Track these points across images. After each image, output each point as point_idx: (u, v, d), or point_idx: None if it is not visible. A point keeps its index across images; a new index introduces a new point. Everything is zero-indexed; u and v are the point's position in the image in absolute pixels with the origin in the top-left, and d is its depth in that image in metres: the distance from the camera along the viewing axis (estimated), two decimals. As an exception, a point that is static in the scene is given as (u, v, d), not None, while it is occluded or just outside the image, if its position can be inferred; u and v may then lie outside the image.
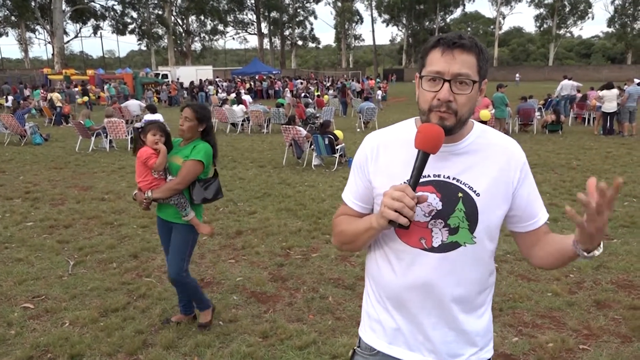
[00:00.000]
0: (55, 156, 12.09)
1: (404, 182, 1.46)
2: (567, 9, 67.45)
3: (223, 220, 6.69)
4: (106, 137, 13.00)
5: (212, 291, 4.51)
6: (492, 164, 1.48)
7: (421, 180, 1.43)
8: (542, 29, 71.20)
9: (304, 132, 10.75)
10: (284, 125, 11.21)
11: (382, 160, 1.53)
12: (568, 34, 73.67)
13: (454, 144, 1.47)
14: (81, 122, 13.33)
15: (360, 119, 17.52)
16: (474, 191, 1.45)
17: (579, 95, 18.87)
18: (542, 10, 68.91)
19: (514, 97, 18.22)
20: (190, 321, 3.90)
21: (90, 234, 6.14)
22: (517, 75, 50.39)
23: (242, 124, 16.98)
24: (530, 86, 42.46)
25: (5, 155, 12.34)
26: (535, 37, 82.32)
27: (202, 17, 62.05)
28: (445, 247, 1.46)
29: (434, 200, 1.44)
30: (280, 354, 3.46)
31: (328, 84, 36.34)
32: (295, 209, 7.18)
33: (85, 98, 24.34)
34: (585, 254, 1.35)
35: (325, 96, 25.44)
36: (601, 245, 1.34)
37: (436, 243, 1.46)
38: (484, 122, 13.13)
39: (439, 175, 1.46)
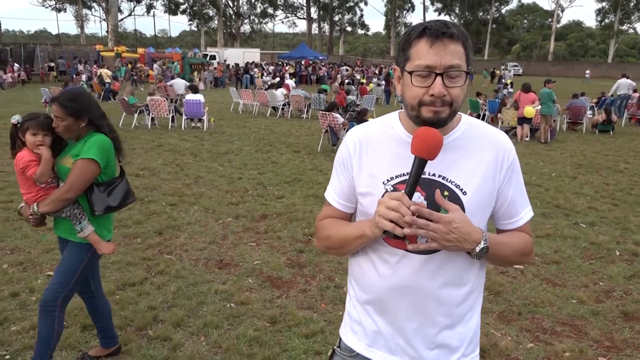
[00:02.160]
0: (99, 131, 12.44)
1: (387, 182, 1.40)
2: (632, 4, 64.01)
3: (250, 202, 6.72)
4: (148, 114, 13.28)
5: (228, 273, 4.53)
6: (480, 160, 1.39)
7: (404, 178, 1.36)
8: (603, 23, 67.96)
9: (340, 119, 10.66)
10: (321, 112, 11.15)
11: (365, 158, 1.46)
12: (631, 30, 70.01)
13: None
14: (125, 98, 13.67)
15: (402, 108, 17.23)
16: (461, 189, 1.37)
17: (636, 95, 17.94)
18: (604, 3, 65.69)
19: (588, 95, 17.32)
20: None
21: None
22: (587, 71, 47.65)
23: (282, 108, 17.02)
24: (585, 84, 40.73)
25: (53, 127, 12.79)
26: (595, 32, 78.67)
27: (253, 0, 62.39)
28: (430, 249, 1.38)
29: (418, 200, 1.36)
30: (286, 341, 3.44)
31: (375, 71, 35.92)
32: (323, 196, 7.13)
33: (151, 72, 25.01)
34: (470, 254, 1.35)
35: (370, 84, 25.17)
36: (479, 244, 1.32)
37: (421, 245, 1.38)
38: (529, 119, 12.69)
39: (424, 173, 1.36)
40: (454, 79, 1.29)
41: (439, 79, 1.27)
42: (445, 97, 1.28)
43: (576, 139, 13.51)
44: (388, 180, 1.40)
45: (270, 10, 65.69)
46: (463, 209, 1.35)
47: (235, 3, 61.60)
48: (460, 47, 1.29)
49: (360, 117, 10.33)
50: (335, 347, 1.63)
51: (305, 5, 68.50)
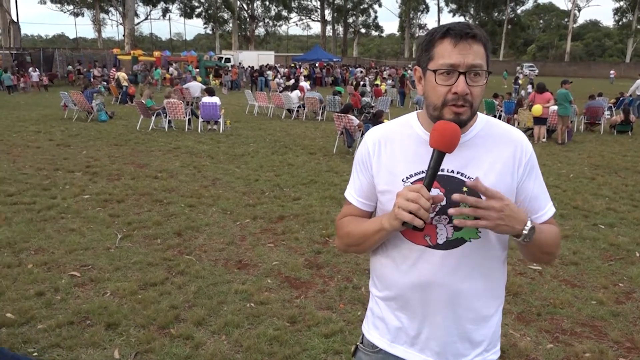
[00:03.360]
0: (117, 133, 12.63)
1: (406, 179, 1.43)
2: (651, 2, 63.14)
3: (267, 204, 6.78)
4: (165, 117, 13.44)
5: (247, 273, 4.59)
6: (497, 156, 1.42)
7: (424, 175, 1.39)
8: (620, 23, 67.09)
9: (356, 120, 10.68)
10: (337, 114, 11.19)
11: (384, 156, 1.49)
12: (650, 29, 69.01)
13: None
14: (143, 101, 13.85)
15: (417, 110, 17.22)
16: None
17: (655, 94, 17.70)
18: (622, 2, 64.86)
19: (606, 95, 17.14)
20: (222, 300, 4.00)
21: (140, 210, 6.39)
22: (612, 72, 46.76)
23: (297, 110, 17.09)
24: (604, 83, 40.26)
25: (73, 130, 13.02)
26: (613, 32, 77.66)
27: (267, 3, 62.74)
28: (450, 244, 1.41)
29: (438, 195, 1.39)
30: (306, 340, 3.49)
31: (386, 74, 35.86)
32: (340, 197, 7.17)
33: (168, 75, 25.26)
34: (516, 239, 1.34)
35: (383, 85, 25.14)
36: (527, 224, 1.31)
37: (441, 240, 1.41)
38: (544, 120, 12.60)
39: (442, 170, 1.39)
40: (476, 78, 1.32)
41: (462, 77, 1.30)
42: (467, 95, 1.32)
43: (594, 139, 13.38)
44: (407, 178, 1.43)
45: (284, 13, 66.00)
46: None
47: (250, 6, 61.97)
48: (482, 49, 1.33)
49: (376, 119, 10.35)
50: (358, 344, 1.66)
51: (319, 7, 68.72)
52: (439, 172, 1.39)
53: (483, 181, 1.38)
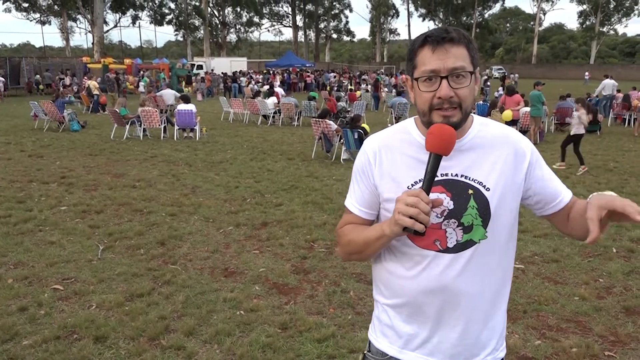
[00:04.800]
0: (91, 143, 12.41)
1: (411, 186, 1.44)
2: (612, 6, 65.15)
3: (249, 211, 6.75)
4: (140, 125, 13.26)
5: (234, 281, 4.56)
6: (498, 156, 1.44)
7: None
8: (584, 26, 69.03)
9: (334, 125, 10.73)
10: (314, 119, 11.22)
11: (386, 163, 1.49)
12: (612, 32, 71.14)
13: (457, 140, 1.41)
14: (116, 110, 13.64)
15: (391, 113, 17.39)
16: (484, 186, 1.42)
17: (620, 95, 18.26)
18: (585, 6, 66.76)
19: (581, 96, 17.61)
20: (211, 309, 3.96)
21: (120, 220, 6.29)
22: (587, 74, 47.64)
23: (273, 116, 17.06)
24: (570, 85, 41.31)
25: (44, 140, 12.74)
26: (577, 35, 79.84)
27: (238, 9, 62.48)
28: (460, 247, 1.42)
29: (444, 200, 1.41)
30: (299, 346, 3.48)
31: (362, 77, 36.10)
32: (322, 202, 7.19)
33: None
34: None
35: (358, 92, 25.30)
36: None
37: (451, 243, 1.43)
38: (515, 122, 12.87)
39: (446, 174, 1.41)
40: (459, 80, 1.34)
41: (444, 81, 1.33)
42: (452, 98, 1.33)
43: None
44: (412, 185, 1.44)
45: (256, 19, 65.82)
46: (488, 205, 1.41)
47: (221, 13, 61.65)
48: (463, 50, 1.35)
49: (354, 123, 10.42)
50: (365, 352, 1.64)
51: (290, 13, 68.81)
52: (445, 177, 1.41)
53: (487, 182, 1.42)
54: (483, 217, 1.41)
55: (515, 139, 1.48)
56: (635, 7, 64.69)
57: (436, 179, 1.37)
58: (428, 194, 1.29)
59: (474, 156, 1.44)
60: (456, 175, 1.42)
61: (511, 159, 1.45)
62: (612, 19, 66.37)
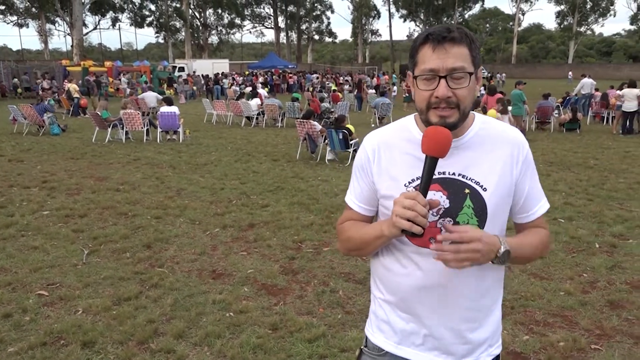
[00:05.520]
0: (72, 147, 12.24)
1: (408, 184, 1.45)
2: (589, 6, 66.30)
3: (236, 212, 6.72)
4: (122, 128, 13.12)
5: (223, 283, 4.54)
6: (497, 157, 1.45)
7: None
8: (562, 26, 70.12)
9: (318, 126, 10.74)
10: (298, 120, 11.22)
11: (384, 161, 1.50)
12: (589, 32, 72.40)
13: (456, 139, 1.43)
14: (98, 113, 13.48)
15: (375, 114, 17.47)
16: (481, 186, 1.43)
17: (597, 94, 18.59)
18: (563, 7, 67.82)
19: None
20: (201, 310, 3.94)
21: (105, 224, 6.21)
22: (570, 73, 48.12)
23: (256, 118, 17.02)
24: (549, 84, 41.90)
25: (24, 145, 12.53)
26: (555, 35, 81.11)
27: (220, 11, 62.21)
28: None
29: (441, 198, 1.41)
30: (290, 346, 3.48)
31: (345, 78, 36.17)
32: (308, 203, 7.19)
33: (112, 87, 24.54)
34: (492, 262, 1.37)
35: (340, 94, 25.35)
36: (500, 249, 1.35)
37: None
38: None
39: (443, 173, 1.42)
40: (458, 80, 1.33)
41: (442, 81, 1.32)
42: (450, 98, 1.33)
43: (545, 138, 13.91)
44: (410, 183, 1.44)
45: (237, 21, 65.61)
46: (485, 205, 1.42)
47: (202, 14, 61.34)
48: (465, 49, 1.34)
49: (338, 123, 10.44)
50: (362, 347, 1.65)
51: (272, 15, 68.71)
52: (442, 176, 1.42)
53: (485, 182, 1.43)
54: (479, 217, 1.42)
55: (514, 141, 1.48)
56: (611, 7, 66.04)
57: (434, 177, 1.38)
58: (425, 196, 1.30)
59: (473, 155, 1.44)
60: (453, 174, 1.43)
61: (508, 160, 1.46)
62: (589, 19, 67.55)
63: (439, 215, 1.42)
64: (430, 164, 1.31)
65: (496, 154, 1.45)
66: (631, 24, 67.39)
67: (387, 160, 1.49)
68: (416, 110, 1.45)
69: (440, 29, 1.34)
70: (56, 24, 57.02)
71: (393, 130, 1.54)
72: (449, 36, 1.32)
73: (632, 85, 14.09)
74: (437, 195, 1.41)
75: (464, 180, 1.43)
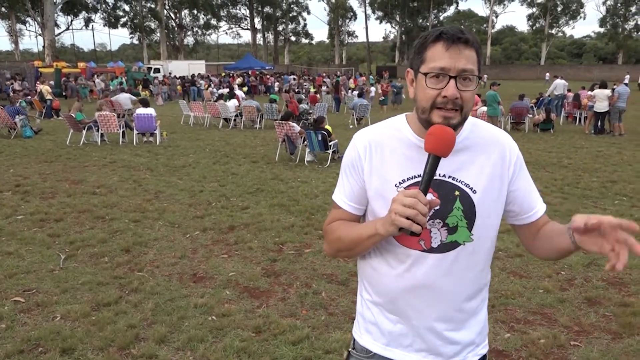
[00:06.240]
0: (46, 149, 11.99)
1: (399, 184, 1.44)
2: (560, 9, 67.79)
3: (216, 215, 6.66)
4: (97, 130, 12.90)
5: (204, 286, 4.49)
6: (487, 159, 1.45)
7: (416, 180, 1.41)
8: (534, 28, 71.48)
9: (297, 127, 10.73)
10: (277, 121, 11.18)
11: (376, 160, 1.48)
12: (560, 34, 74.05)
13: None
14: (72, 115, 13.23)
15: (353, 115, 17.53)
16: (471, 188, 1.43)
17: (570, 94, 19.01)
18: (534, 9, 69.20)
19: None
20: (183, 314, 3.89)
21: (82, 228, 6.09)
22: (547, 74, 48.77)
23: (234, 119, 16.91)
24: (522, 85, 42.63)
25: (-5, 147, 12.21)
26: (528, 36, 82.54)
27: (195, 11, 61.67)
28: (444, 247, 1.43)
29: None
30: (274, 349, 3.46)
31: (325, 79, 36.20)
32: (288, 204, 7.17)
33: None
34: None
35: (318, 95, 25.39)
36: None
37: (435, 243, 1.43)
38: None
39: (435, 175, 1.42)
40: (466, 82, 1.33)
41: (452, 81, 1.31)
42: (457, 100, 1.32)
43: (520, 138, 14.13)
44: (400, 183, 1.43)
45: (213, 22, 65.17)
46: (474, 207, 1.42)
47: (178, 15, 60.74)
48: (474, 53, 1.34)
49: (317, 124, 10.44)
50: (350, 349, 1.64)
51: (248, 16, 68.41)
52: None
53: (474, 184, 1.43)
54: (468, 219, 1.42)
55: (505, 144, 1.48)
56: (581, 10, 67.62)
57: None
58: (425, 195, 1.28)
59: (463, 158, 1.44)
60: (444, 176, 1.42)
61: (499, 163, 1.45)
62: (560, 22, 69.06)
63: (428, 217, 1.41)
64: (433, 162, 1.30)
65: (486, 157, 1.45)
66: (600, 26, 69.18)
67: (377, 159, 1.47)
68: (415, 109, 1.42)
69: (454, 30, 1.33)
70: (27, 24, 55.95)
71: (384, 129, 1.52)
72: (463, 37, 1.32)
73: (603, 86, 14.43)
74: (427, 197, 1.41)
75: (454, 182, 1.42)
